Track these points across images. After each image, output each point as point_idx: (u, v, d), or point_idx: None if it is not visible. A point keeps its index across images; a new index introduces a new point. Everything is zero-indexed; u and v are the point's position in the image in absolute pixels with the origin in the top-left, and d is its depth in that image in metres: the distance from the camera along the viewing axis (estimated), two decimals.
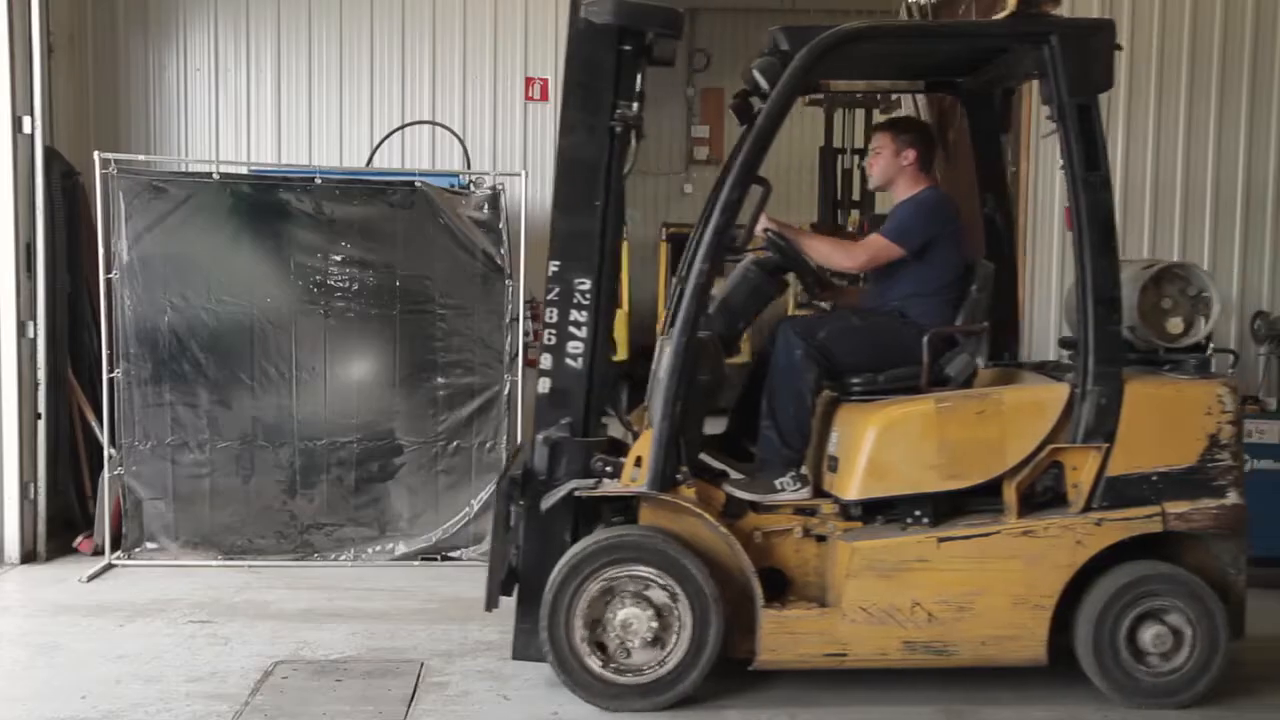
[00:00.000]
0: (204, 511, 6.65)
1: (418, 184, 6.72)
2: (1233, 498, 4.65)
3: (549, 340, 4.71)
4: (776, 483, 4.77)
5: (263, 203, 6.66)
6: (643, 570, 4.55)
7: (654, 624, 4.54)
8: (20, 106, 6.65)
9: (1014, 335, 5.53)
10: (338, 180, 6.84)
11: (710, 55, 14.90)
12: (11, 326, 6.65)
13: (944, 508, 4.67)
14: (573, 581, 4.53)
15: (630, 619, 4.54)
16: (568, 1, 7.69)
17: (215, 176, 6.78)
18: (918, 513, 4.64)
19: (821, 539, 4.74)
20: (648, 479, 4.57)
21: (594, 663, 4.56)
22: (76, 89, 7.53)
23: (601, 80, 4.68)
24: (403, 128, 7.62)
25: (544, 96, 7.67)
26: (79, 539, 6.86)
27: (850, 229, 10.76)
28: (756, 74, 4.68)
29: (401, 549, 6.69)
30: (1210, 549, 4.74)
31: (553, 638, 4.54)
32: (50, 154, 6.84)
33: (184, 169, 7.45)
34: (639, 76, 4.78)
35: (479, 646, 5.25)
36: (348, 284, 6.66)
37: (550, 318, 4.71)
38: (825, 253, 5.16)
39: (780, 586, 4.73)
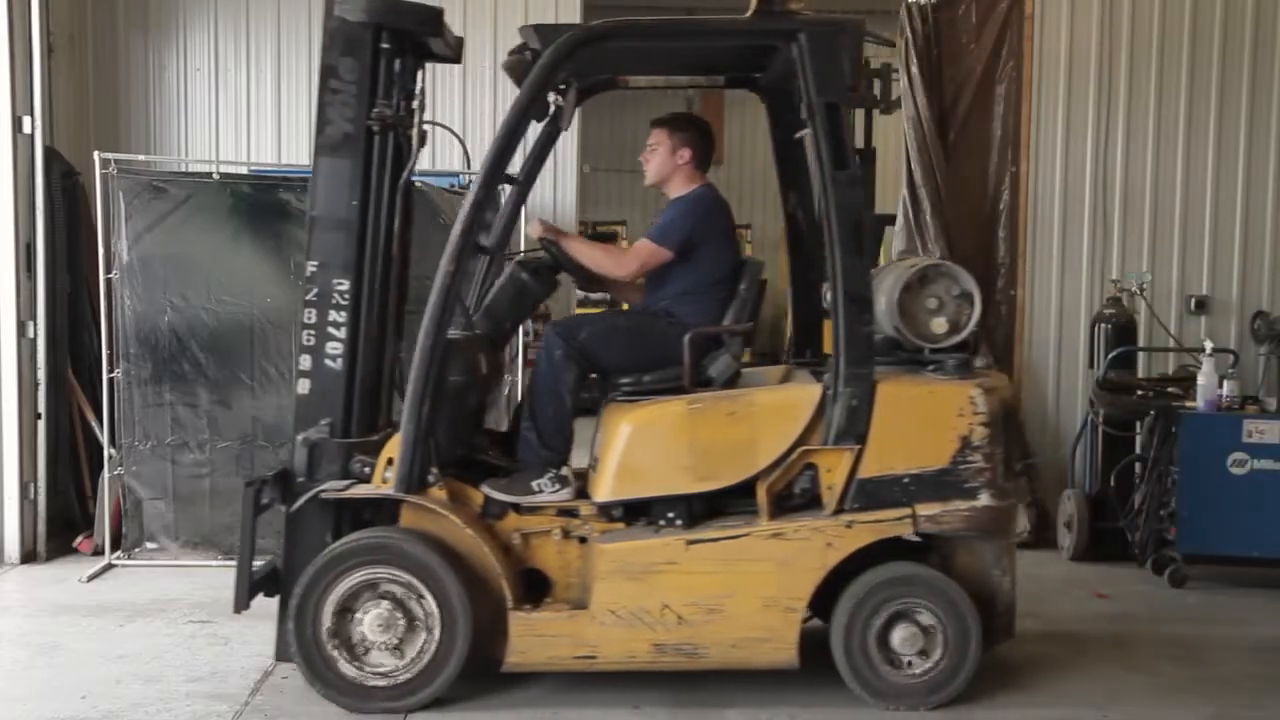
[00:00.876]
0: (204, 511, 6.65)
1: (418, 184, 6.71)
2: (985, 499, 4.55)
3: (307, 341, 4.63)
4: (534, 484, 4.67)
5: (263, 203, 6.66)
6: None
7: (401, 626, 4.46)
8: (20, 106, 6.65)
9: (817, 332, 5.39)
10: None
11: None
12: (11, 326, 6.65)
13: (700, 509, 4.59)
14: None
15: (377, 621, 4.44)
16: (570, 2, 7.76)
17: (215, 176, 6.78)
18: (671, 514, 4.57)
19: (584, 541, 4.65)
20: (395, 480, 4.50)
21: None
22: (76, 89, 7.53)
23: (357, 78, 4.56)
24: None
25: None
26: (79, 539, 6.86)
27: None
28: (505, 72, 4.60)
29: None
30: (973, 551, 4.69)
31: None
32: (50, 154, 6.85)
33: (184, 169, 7.46)
34: (418, 74, 4.70)
35: None
36: None
37: (309, 319, 4.62)
38: (594, 259, 5.07)
39: (546, 588, 4.68)
